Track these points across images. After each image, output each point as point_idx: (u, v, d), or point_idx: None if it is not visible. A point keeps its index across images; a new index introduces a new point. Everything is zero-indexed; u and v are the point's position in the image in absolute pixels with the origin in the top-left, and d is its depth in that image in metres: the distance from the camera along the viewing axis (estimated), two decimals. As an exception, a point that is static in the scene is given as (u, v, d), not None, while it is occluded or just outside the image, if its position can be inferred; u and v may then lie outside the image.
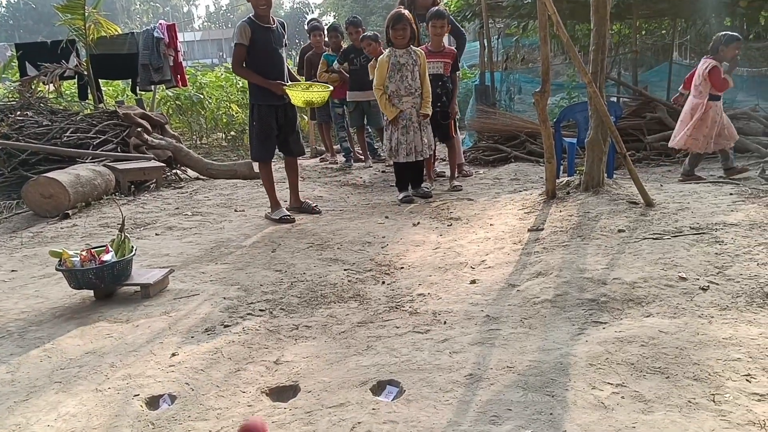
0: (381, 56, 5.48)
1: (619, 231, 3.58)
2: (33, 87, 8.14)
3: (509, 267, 3.41)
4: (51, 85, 8.32)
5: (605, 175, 4.54)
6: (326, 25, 8.63)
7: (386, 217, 4.98)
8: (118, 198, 6.06)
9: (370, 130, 8.12)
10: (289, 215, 4.99)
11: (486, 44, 8.89)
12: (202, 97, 11.37)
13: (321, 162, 8.44)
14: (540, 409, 1.97)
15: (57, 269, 3.32)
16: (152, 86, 9.55)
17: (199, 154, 8.22)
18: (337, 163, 8.16)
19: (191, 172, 7.48)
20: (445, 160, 6.98)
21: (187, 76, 9.98)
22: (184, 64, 9.82)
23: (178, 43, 9.35)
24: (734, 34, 5.76)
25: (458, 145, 6.47)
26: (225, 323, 2.96)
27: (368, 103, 7.33)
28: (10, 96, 8.49)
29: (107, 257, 3.32)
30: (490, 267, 3.48)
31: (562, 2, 8.10)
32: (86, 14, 8.38)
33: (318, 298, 3.26)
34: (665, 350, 2.25)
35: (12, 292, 3.59)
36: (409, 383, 2.22)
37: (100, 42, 8.75)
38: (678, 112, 6.15)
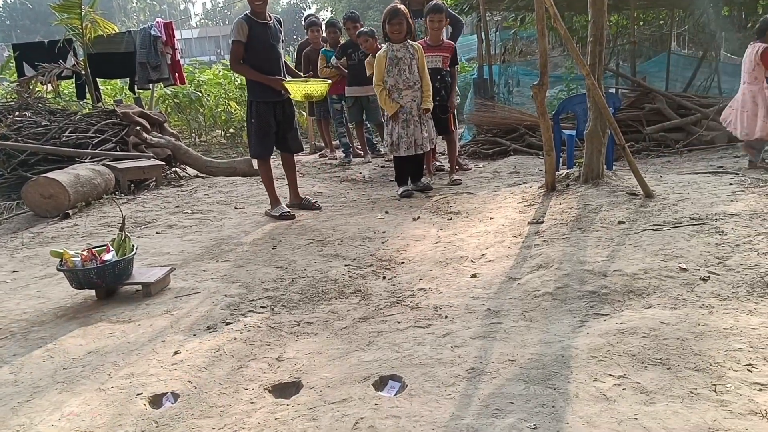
0: (378, 52, 5.48)
1: (619, 223, 3.58)
2: (31, 87, 8.14)
3: (510, 260, 3.41)
4: (49, 85, 8.32)
5: (604, 166, 4.54)
6: (323, 20, 8.60)
7: (386, 212, 4.99)
8: (118, 197, 6.06)
9: (368, 125, 8.10)
10: (289, 212, 5.00)
11: (484, 37, 8.87)
12: (200, 94, 11.36)
13: (320, 158, 8.44)
14: (542, 401, 1.97)
15: (58, 269, 3.32)
16: (150, 84, 9.54)
17: (198, 151, 8.21)
18: (336, 158, 8.15)
19: (191, 170, 7.48)
20: (444, 154, 6.98)
21: (185, 74, 9.98)
22: (181, 61, 9.83)
23: (176, 41, 9.35)
24: None
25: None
26: (227, 321, 2.96)
27: (367, 99, 7.32)
28: (9, 96, 8.48)
29: (108, 256, 3.32)
30: (490, 260, 3.48)
31: (560, -6, 8.07)
32: (83, 13, 8.37)
33: (319, 294, 3.26)
34: (666, 341, 2.25)
35: (14, 292, 3.59)
36: (411, 378, 2.23)
37: (97, 41, 8.74)
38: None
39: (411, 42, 5.44)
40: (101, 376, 2.47)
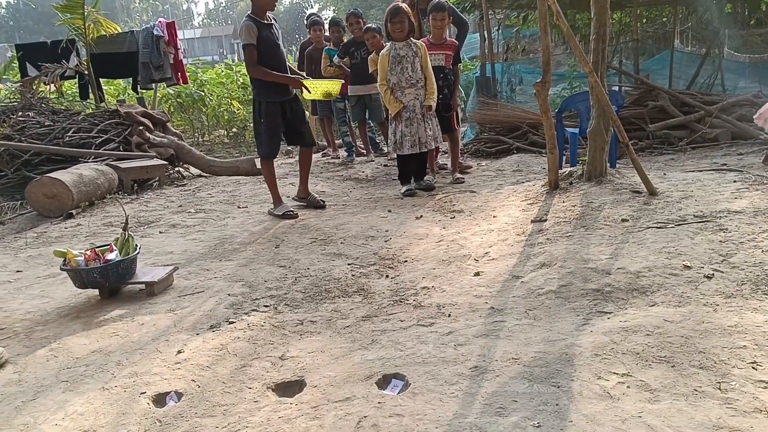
0: (381, 51, 5.49)
1: (623, 220, 3.57)
2: (34, 87, 8.16)
3: (513, 258, 3.40)
4: (52, 85, 8.34)
5: (608, 164, 4.53)
6: (326, 19, 8.61)
7: (389, 211, 4.98)
8: (121, 197, 6.07)
9: (371, 124, 8.09)
10: (292, 211, 4.99)
11: (486, 36, 8.85)
12: (203, 94, 11.38)
13: (323, 157, 8.43)
14: (546, 400, 1.97)
15: (62, 269, 3.33)
16: (153, 84, 9.55)
17: (201, 151, 8.23)
18: (339, 157, 8.14)
19: (194, 170, 7.50)
20: (447, 153, 6.97)
21: (187, 74, 9.98)
22: (184, 61, 9.82)
23: (178, 41, 9.35)
24: None
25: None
26: (230, 320, 2.96)
27: (370, 97, 7.32)
28: (12, 97, 8.50)
29: (111, 256, 3.32)
30: (493, 259, 3.48)
31: (562, -8, 8.06)
32: (86, 13, 8.39)
33: (322, 293, 3.26)
34: (670, 339, 2.24)
35: (17, 292, 3.60)
36: (414, 376, 2.23)
37: (100, 41, 8.75)
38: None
39: (414, 40, 5.44)
40: (105, 375, 2.48)
